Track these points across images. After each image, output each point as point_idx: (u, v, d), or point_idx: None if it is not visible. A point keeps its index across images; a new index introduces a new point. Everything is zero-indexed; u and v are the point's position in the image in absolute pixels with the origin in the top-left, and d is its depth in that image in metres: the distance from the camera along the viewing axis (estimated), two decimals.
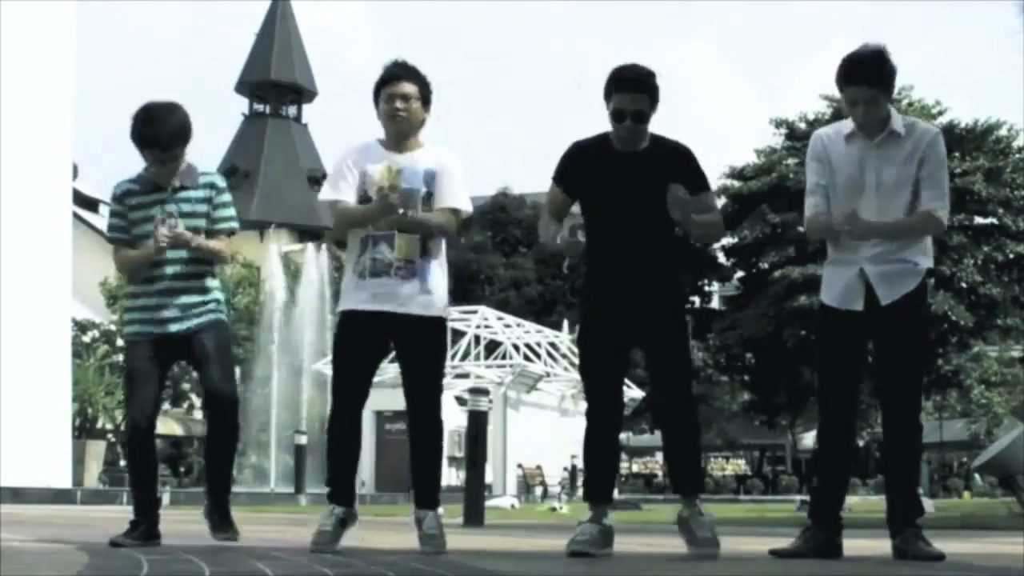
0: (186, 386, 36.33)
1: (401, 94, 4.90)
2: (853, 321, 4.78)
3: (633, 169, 4.82)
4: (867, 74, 4.71)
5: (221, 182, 5.30)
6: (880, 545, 5.28)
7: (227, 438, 5.22)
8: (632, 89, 4.78)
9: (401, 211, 4.77)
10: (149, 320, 5.16)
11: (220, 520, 5.18)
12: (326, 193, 4.96)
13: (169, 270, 5.14)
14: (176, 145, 5.11)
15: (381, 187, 4.83)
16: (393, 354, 5.05)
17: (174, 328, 5.13)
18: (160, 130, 5.07)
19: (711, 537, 4.81)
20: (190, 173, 5.22)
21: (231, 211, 5.31)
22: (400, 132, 4.93)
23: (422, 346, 4.90)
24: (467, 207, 5.00)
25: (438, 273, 4.93)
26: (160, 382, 5.22)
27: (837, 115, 40.85)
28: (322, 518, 4.89)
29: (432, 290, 4.88)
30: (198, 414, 39.10)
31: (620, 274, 4.85)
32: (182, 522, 5.38)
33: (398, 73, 4.94)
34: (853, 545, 5.30)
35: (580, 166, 4.93)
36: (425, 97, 4.98)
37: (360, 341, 4.88)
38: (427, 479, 4.94)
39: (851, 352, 4.85)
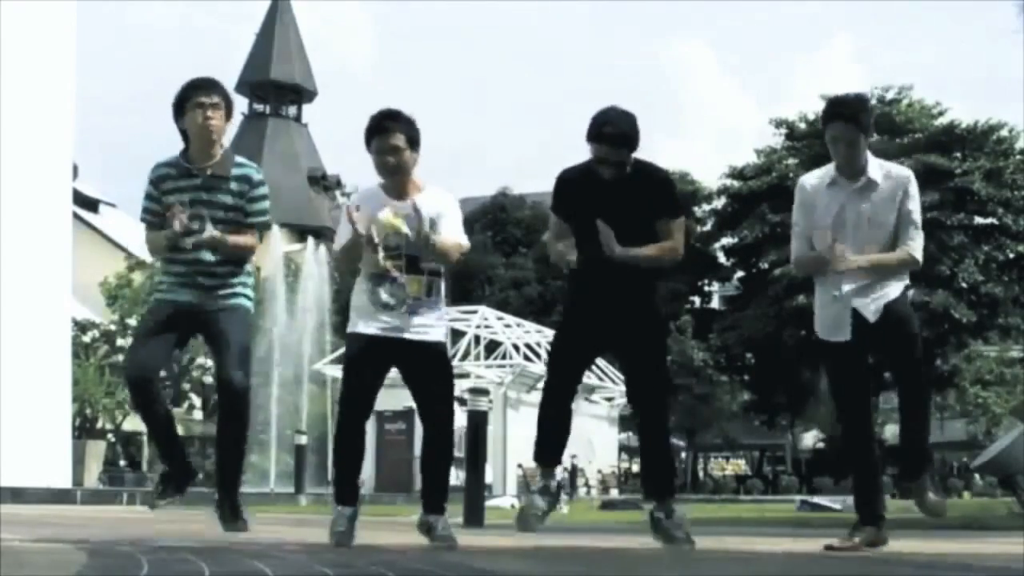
0: (186, 386, 36.33)
1: (390, 147, 5.14)
2: (846, 348, 5.21)
3: (616, 196, 5.14)
4: (848, 112, 5.11)
5: (256, 175, 5.36)
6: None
7: (237, 429, 5.29)
8: (615, 143, 5.09)
9: (423, 232, 5.05)
10: (176, 292, 5.25)
11: (230, 511, 5.24)
12: (338, 242, 5.27)
13: (203, 254, 5.22)
14: (218, 92, 5.25)
15: (386, 240, 5.09)
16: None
17: (198, 300, 5.22)
18: (204, 79, 5.29)
19: (684, 536, 5.15)
20: (226, 160, 5.28)
21: (264, 205, 5.37)
22: (396, 181, 5.21)
23: (428, 369, 5.24)
24: (465, 242, 5.33)
25: (439, 311, 5.29)
26: (171, 344, 5.32)
27: None
28: (336, 517, 5.22)
29: (434, 324, 5.25)
30: (198, 414, 39.14)
31: (600, 287, 5.19)
32: (182, 522, 5.41)
33: (385, 125, 5.15)
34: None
35: (569, 194, 5.29)
36: (413, 141, 5.20)
37: (368, 361, 5.22)
38: (438, 487, 5.31)
39: (853, 373, 5.27)
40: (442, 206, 5.24)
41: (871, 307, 5.14)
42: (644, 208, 5.15)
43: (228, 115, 5.32)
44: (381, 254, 5.07)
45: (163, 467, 5.31)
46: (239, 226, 5.27)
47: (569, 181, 5.28)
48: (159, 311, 5.28)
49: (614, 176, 5.13)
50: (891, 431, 44.07)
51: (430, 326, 5.21)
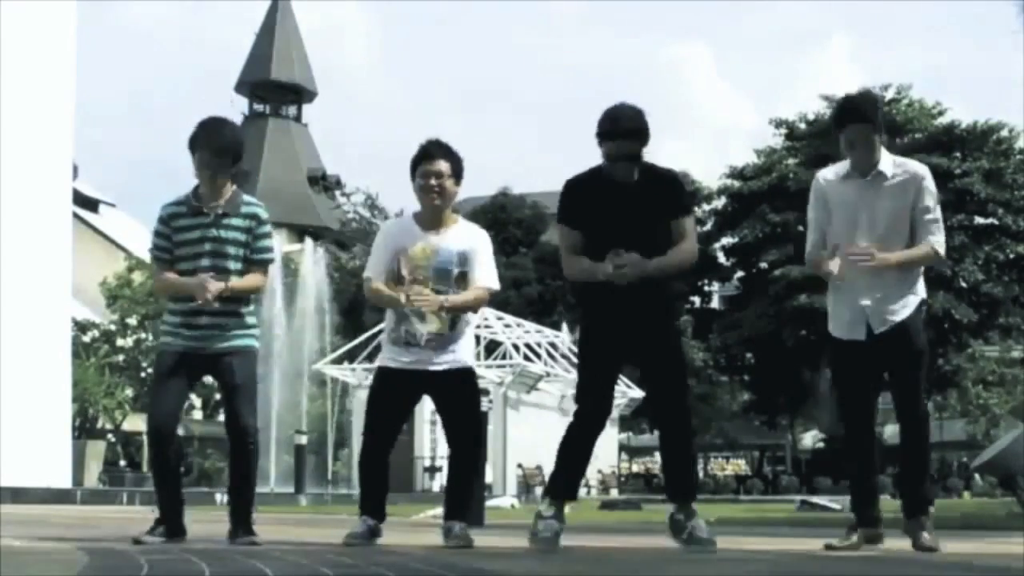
0: None
1: (435, 172, 5.36)
2: (859, 348, 5.18)
3: (628, 200, 5.10)
4: (863, 113, 5.11)
5: (264, 214, 5.46)
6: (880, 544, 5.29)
7: (248, 466, 5.43)
8: (627, 137, 5.07)
9: (438, 306, 5.25)
10: (183, 335, 5.34)
11: (243, 532, 5.33)
12: (368, 270, 5.48)
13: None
14: (227, 154, 5.31)
15: (414, 273, 5.30)
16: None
17: (206, 345, 5.31)
18: (217, 137, 5.32)
19: (708, 537, 5.08)
20: (234, 200, 5.38)
21: (269, 242, 5.48)
22: (435, 208, 5.40)
23: (454, 394, 5.42)
24: (497, 285, 5.49)
25: (466, 340, 5.48)
26: (185, 391, 5.46)
27: None
28: (356, 525, 5.40)
29: (460, 354, 5.42)
30: (198, 414, 39.13)
31: (616, 296, 5.09)
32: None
33: (432, 152, 5.39)
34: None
35: (578, 202, 5.22)
36: (457, 173, 5.42)
37: (393, 394, 5.43)
38: (460, 496, 5.52)
39: (861, 375, 5.25)
40: (474, 242, 5.42)
41: (878, 318, 5.11)
42: (655, 210, 5.11)
43: (236, 159, 5.39)
44: (408, 294, 5.22)
45: (160, 516, 5.36)
46: (248, 263, 5.37)
47: (577, 187, 5.22)
48: (170, 359, 5.35)
49: (626, 174, 5.08)
50: (890, 431, 44.11)
51: (455, 353, 5.38)
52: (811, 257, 5.31)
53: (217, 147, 5.29)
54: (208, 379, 5.59)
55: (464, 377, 5.44)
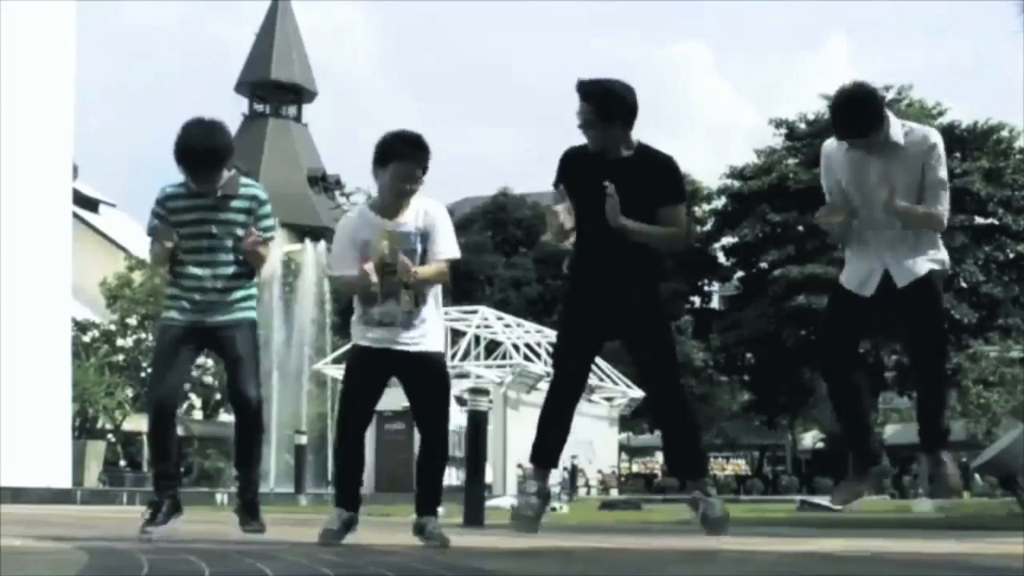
0: (186, 386, 36.36)
1: (415, 176, 5.18)
2: (861, 301, 5.18)
3: (618, 174, 5.13)
4: (856, 129, 4.99)
5: (263, 194, 5.50)
6: (879, 545, 5.30)
7: (253, 439, 5.47)
8: (584, 99, 5.16)
9: (406, 274, 5.15)
10: (184, 308, 5.36)
11: (248, 515, 5.39)
12: (332, 269, 5.41)
13: (215, 271, 5.33)
14: (216, 166, 5.29)
15: (381, 256, 5.16)
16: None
17: (206, 317, 5.34)
18: (201, 151, 5.22)
19: (721, 516, 5.22)
20: (232, 182, 5.39)
21: (272, 221, 5.56)
22: (402, 204, 5.26)
23: (423, 378, 5.33)
24: (457, 254, 5.34)
25: (435, 319, 5.37)
26: (187, 364, 5.49)
27: None
28: (329, 518, 5.34)
29: (430, 333, 5.33)
30: (198, 414, 39.16)
31: (602, 269, 5.19)
32: (182, 522, 5.44)
33: (410, 154, 5.18)
34: (852, 545, 5.32)
35: (572, 169, 5.28)
36: (427, 168, 5.27)
37: (368, 371, 5.35)
38: (432, 491, 5.41)
39: (851, 321, 5.28)
40: (430, 218, 5.30)
41: (900, 271, 5.08)
42: (647, 192, 5.14)
43: (227, 158, 5.37)
44: (375, 278, 5.13)
45: (154, 496, 5.40)
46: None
47: (573, 156, 5.29)
48: (171, 332, 5.38)
49: (600, 143, 5.13)
50: (891, 431, 44.14)
51: (424, 336, 5.31)
52: (818, 216, 5.25)
53: (208, 162, 5.26)
54: (208, 378, 5.63)
55: (435, 360, 5.39)
